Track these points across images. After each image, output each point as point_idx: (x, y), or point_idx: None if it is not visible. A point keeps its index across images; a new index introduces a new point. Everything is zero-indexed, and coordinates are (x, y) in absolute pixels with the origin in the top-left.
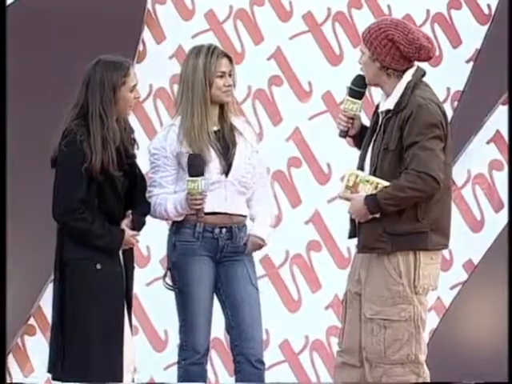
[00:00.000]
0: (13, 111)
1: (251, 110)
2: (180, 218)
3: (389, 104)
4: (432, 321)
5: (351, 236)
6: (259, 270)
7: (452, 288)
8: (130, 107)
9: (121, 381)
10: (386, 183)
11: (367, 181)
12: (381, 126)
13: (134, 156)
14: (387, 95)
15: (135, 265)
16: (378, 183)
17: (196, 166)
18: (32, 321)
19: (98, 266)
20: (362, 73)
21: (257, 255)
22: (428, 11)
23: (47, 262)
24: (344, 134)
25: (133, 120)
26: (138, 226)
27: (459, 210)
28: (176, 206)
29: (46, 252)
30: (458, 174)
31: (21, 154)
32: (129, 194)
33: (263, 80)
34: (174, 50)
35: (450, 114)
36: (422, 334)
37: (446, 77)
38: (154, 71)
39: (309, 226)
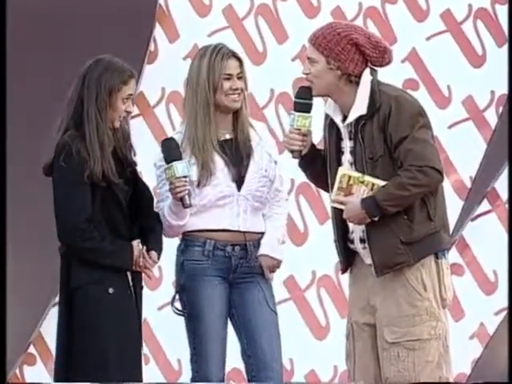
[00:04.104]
0: (13, 112)
1: (274, 114)
2: (181, 222)
3: (359, 110)
4: (475, 350)
5: (346, 268)
6: (283, 292)
7: (497, 313)
8: (119, 118)
9: None
10: (382, 182)
11: (361, 181)
12: (356, 137)
13: (134, 163)
14: (345, 104)
15: (145, 287)
16: (373, 183)
17: (168, 152)
18: (32, 349)
19: (111, 290)
20: (304, 84)
21: (280, 276)
22: (470, 6)
23: (48, 286)
24: (298, 155)
25: (143, 127)
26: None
27: (505, 226)
28: (170, 206)
29: (46, 276)
30: (504, 187)
31: (20, 156)
32: (133, 204)
33: (287, 82)
34: (188, 50)
35: (494, 120)
36: (449, 354)
37: (491, 79)
38: (166, 73)
39: None
